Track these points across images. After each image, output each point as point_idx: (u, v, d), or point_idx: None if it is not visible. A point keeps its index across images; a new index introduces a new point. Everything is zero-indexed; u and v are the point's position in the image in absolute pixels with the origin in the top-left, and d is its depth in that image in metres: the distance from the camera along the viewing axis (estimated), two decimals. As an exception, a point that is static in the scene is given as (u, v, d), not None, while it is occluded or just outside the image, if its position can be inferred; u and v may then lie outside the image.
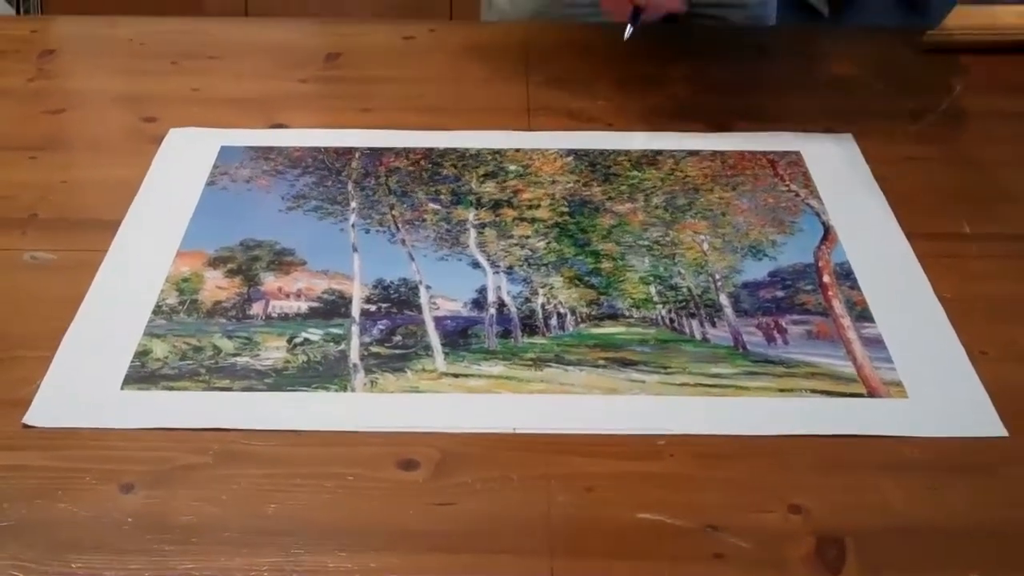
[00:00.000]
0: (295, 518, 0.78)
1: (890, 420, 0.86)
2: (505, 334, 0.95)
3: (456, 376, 0.90)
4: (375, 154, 1.18)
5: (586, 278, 1.01)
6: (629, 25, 1.19)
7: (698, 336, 0.95)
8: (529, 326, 0.96)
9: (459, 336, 0.94)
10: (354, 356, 0.92)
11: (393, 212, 1.09)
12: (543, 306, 0.98)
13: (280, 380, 0.89)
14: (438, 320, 0.96)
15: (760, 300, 0.99)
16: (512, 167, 1.16)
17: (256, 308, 0.97)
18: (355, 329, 0.95)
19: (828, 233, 1.07)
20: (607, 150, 1.18)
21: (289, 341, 0.93)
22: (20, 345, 0.93)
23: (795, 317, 0.97)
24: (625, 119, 1.23)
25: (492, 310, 0.97)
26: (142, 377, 0.89)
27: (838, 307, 0.97)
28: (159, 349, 0.92)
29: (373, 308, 0.97)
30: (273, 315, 0.97)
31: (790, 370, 0.91)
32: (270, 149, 1.19)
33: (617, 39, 1.19)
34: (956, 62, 1.36)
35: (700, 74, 1.25)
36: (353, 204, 1.10)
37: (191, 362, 0.91)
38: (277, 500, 0.79)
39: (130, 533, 0.77)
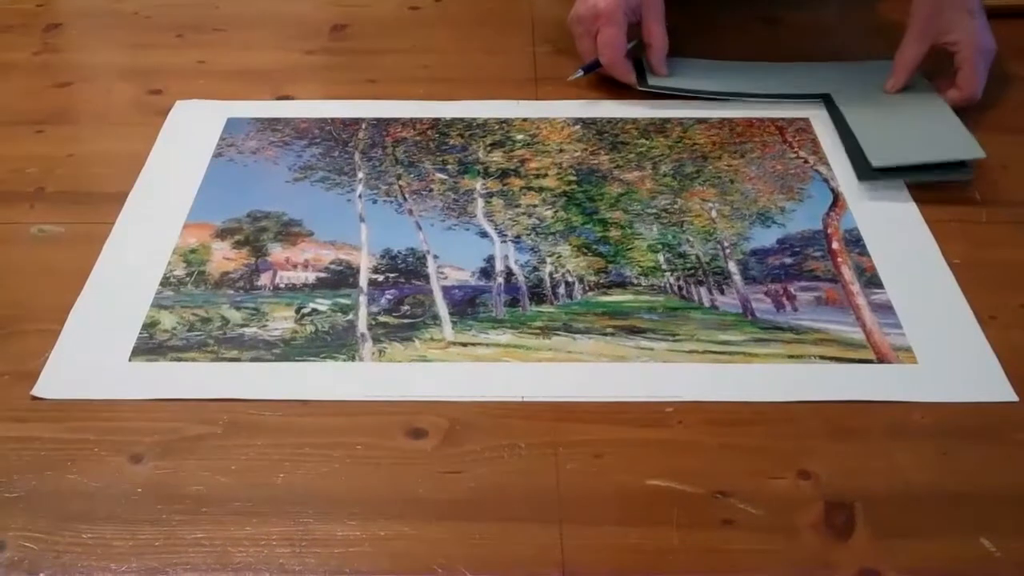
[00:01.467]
0: (304, 487, 0.78)
1: (899, 386, 0.86)
2: (513, 303, 0.95)
3: (464, 345, 0.90)
4: (382, 125, 1.18)
5: (594, 246, 1.01)
6: (581, 69, 1.22)
7: (707, 303, 0.95)
8: (537, 295, 0.96)
9: (467, 305, 0.94)
10: (362, 326, 0.92)
11: (400, 182, 1.09)
12: (551, 275, 0.98)
13: (288, 350, 0.89)
14: (446, 289, 0.96)
15: (769, 267, 0.98)
16: (519, 136, 1.15)
17: (264, 279, 0.97)
18: (363, 299, 0.95)
19: (837, 199, 1.06)
20: (614, 118, 1.18)
21: (297, 311, 0.94)
22: (28, 318, 0.93)
23: (804, 283, 0.96)
24: (631, 89, 1.22)
25: (500, 279, 0.97)
26: (150, 348, 0.89)
27: (847, 273, 0.97)
28: (167, 320, 0.92)
29: (381, 278, 0.97)
30: (281, 286, 0.97)
31: (799, 336, 0.90)
32: (277, 120, 1.18)
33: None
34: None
35: (707, 45, 1.24)
36: (360, 175, 1.10)
37: (199, 333, 0.91)
38: (286, 470, 0.79)
39: (140, 503, 0.77)
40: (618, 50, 1.19)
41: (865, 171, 1.07)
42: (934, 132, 1.11)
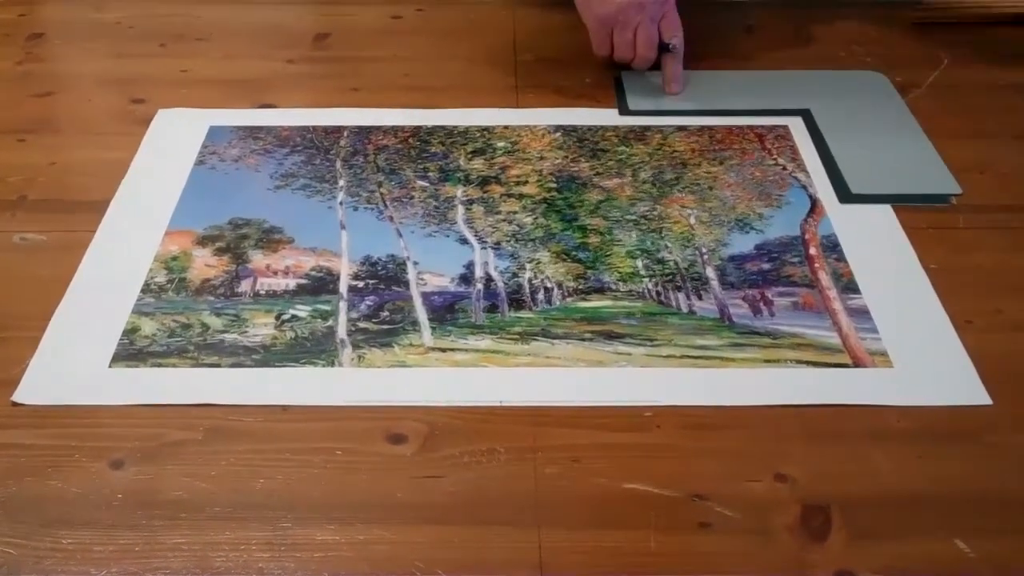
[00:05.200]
0: (284, 493, 0.78)
1: (875, 389, 0.86)
2: (492, 309, 0.95)
3: (443, 350, 0.90)
4: (363, 132, 1.18)
5: (573, 253, 1.02)
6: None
7: (684, 309, 0.95)
8: (516, 301, 0.96)
9: (446, 311, 0.95)
10: (342, 332, 0.92)
11: (381, 190, 1.09)
12: (530, 281, 0.98)
13: (268, 356, 0.90)
14: (425, 295, 0.96)
15: (746, 273, 0.99)
16: (500, 144, 1.16)
17: (244, 285, 0.98)
18: (343, 305, 0.95)
19: (815, 206, 1.07)
20: (595, 126, 1.18)
21: (277, 318, 0.94)
22: (9, 326, 0.93)
23: (781, 289, 0.97)
24: (612, 96, 1.23)
25: (479, 285, 0.98)
26: (131, 354, 0.90)
27: (824, 279, 0.98)
28: (148, 327, 0.92)
29: (361, 284, 0.98)
30: (261, 292, 0.97)
31: (776, 341, 0.91)
32: (259, 128, 1.19)
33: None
34: (945, 35, 1.36)
35: (689, 52, 1.25)
36: (341, 182, 1.10)
37: (180, 339, 0.91)
38: (266, 475, 0.80)
39: (120, 509, 0.77)
40: (654, 49, 1.22)
41: (846, 194, 1.07)
42: (913, 164, 1.12)
